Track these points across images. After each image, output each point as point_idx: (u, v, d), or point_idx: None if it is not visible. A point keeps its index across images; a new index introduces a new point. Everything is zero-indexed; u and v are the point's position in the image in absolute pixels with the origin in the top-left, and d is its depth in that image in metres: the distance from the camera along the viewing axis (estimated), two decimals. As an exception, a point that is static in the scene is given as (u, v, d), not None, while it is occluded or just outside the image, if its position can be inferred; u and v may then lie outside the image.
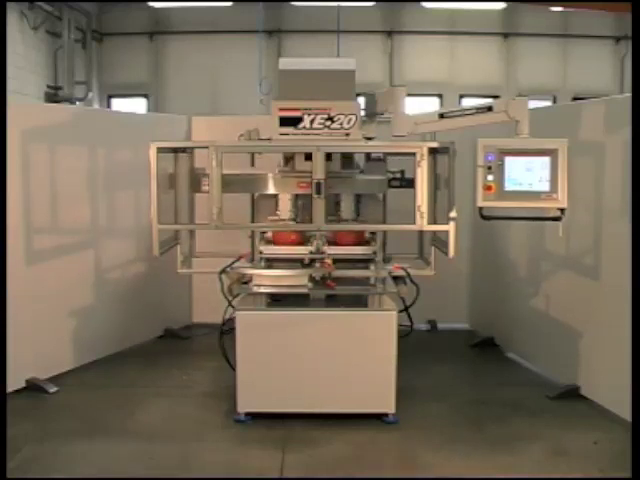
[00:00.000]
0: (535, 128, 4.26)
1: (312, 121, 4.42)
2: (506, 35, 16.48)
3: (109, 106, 16.59)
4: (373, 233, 4.86)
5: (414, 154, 4.36)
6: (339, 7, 14.65)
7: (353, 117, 4.42)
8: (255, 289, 4.62)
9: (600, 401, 4.80)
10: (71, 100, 13.70)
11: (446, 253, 4.51)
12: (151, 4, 15.92)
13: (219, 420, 4.63)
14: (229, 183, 4.40)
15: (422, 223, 4.37)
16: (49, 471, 3.92)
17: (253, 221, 4.99)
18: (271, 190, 4.74)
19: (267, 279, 4.67)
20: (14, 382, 4.98)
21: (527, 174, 4.16)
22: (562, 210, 4.19)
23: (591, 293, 4.88)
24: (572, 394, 4.99)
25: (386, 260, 4.94)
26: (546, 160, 4.15)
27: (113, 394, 5.15)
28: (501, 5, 15.97)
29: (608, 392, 4.69)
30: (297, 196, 4.80)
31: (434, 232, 4.88)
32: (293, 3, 15.94)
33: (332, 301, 4.73)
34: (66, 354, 5.53)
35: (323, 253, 4.61)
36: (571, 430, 4.48)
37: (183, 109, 12.46)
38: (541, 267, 5.64)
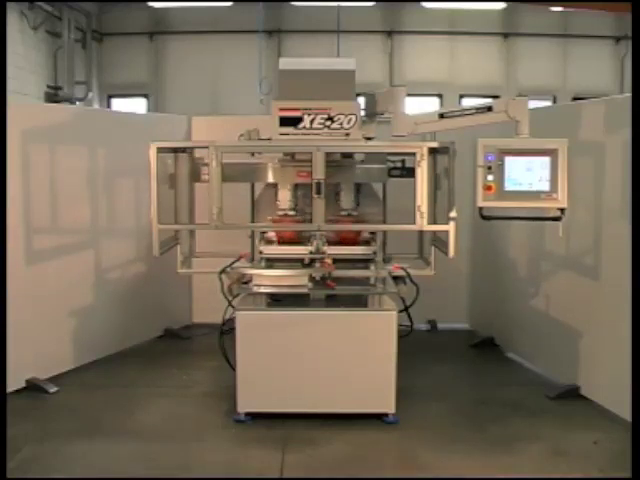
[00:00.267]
0: (535, 128, 4.26)
1: (312, 121, 4.42)
2: (506, 35, 16.47)
3: (109, 106, 16.58)
4: (373, 233, 4.87)
5: (414, 154, 4.36)
6: (339, 7, 14.66)
7: (353, 117, 4.42)
8: (255, 289, 4.62)
9: (600, 401, 4.80)
10: (71, 100, 13.69)
11: (446, 253, 4.51)
12: (151, 4, 15.91)
13: (219, 420, 4.63)
14: (228, 173, 4.39)
15: (422, 223, 4.37)
16: (49, 471, 3.92)
17: (253, 221, 4.99)
18: (270, 179, 4.77)
19: (267, 279, 4.67)
20: (14, 382, 4.98)
21: (527, 174, 4.17)
22: (562, 210, 4.20)
23: (591, 293, 4.88)
24: (572, 394, 4.99)
25: (386, 260, 4.95)
26: (546, 160, 4.15)
27: (113, 394, 5.15)
28: (501, 5, 15.96)
29: (608, 392, 4.69)
30: (297, 186, 4.83)
31: (434, 232, 4.89)
32: (293, 3, 15.94)
33: (332, 301, 4.73)
34: (66, 354, 5.53)
35: (323, 253, 4.62)
36: (571, 430, 4.48)
37: (183, 109, 12.46)
38: (541, 267, 5.64)
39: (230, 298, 4.58)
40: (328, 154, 4.41)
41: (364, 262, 4.88)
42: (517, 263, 6.02)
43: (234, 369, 4.54)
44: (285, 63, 4.65)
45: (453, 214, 4.37)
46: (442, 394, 5.14)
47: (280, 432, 4.38)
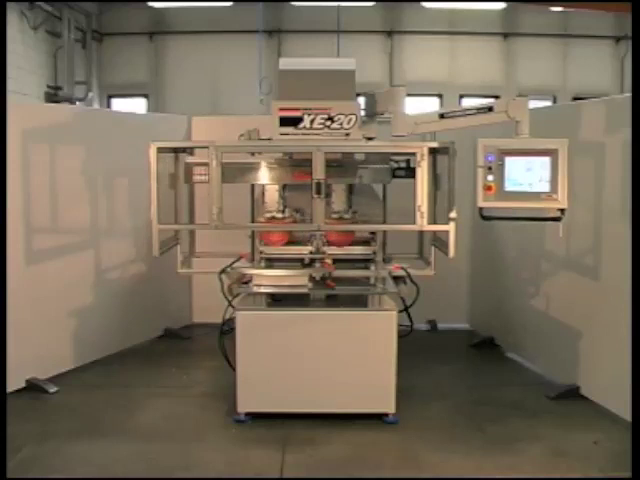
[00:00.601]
0: (535, 128, 4.26)
1: (312, 121, 4.42)
2: (506, 35, 16.49)
3: (109, 106, 16.60)
4: (373, 233, 4.87)
5: (414, 154, 4.36)
6: (339, 7, 14.68)
7: (353, 117, 4.42)
8: (255, 289, 4.62)
9: (600, 401, 4.79)
10: (71, 100, 13.70)
11: (446, 253, 4.51)
12: (151, 4, 15.92)
13: (219, 420, 4.63)
14: (224, 173, 4.38)
15: (422, 223, 4.37)
16: (49, 471, 3.92)
17: (253, 221, 4.99)
18: (266, 180, 4.71)
19: (267, 279, 4.67)
20: (14, 382, 4.98)
21: (527, 174, 4.16)
22: (562, 210, 4.19)
23: (591, 293, 4.88)
24: (572, 394, 4.99)
25: (386, 260, 4.94)
26: (546, 160, 4.14)
27: (113, 394, 5.15)
28: (501, 5, 15.97)
29: (608, 392, 4.69)
30: (284, 187, 4.80)
31: (434, 232, 4.88)
32: (293, 3, 15.94)
33: (332, 301, 4.73)
34: (66, 354, 5.53)
35: (323, 253, 4.62)
36: (571, 430, 4.48)
37: (183, 109, 12.47)
38: (541, 267, 5.64)
39: (230, 298, 4.58)
40: (327, 155, 4.39)
41: (364, 262, 4.89)
42: (517, 263, 6.02)
43: (234, 369, 4.53)
44: (285, 63, 4.64)
45: (453, 214, 4.37)
46: (442, 394, 5.14)
47: (280, 432, 4.38)
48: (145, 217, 4.50)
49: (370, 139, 4.53)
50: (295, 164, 4.62)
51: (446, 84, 16.24)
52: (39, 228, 5.26)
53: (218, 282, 4.52)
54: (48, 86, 13.93)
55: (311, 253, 4.65)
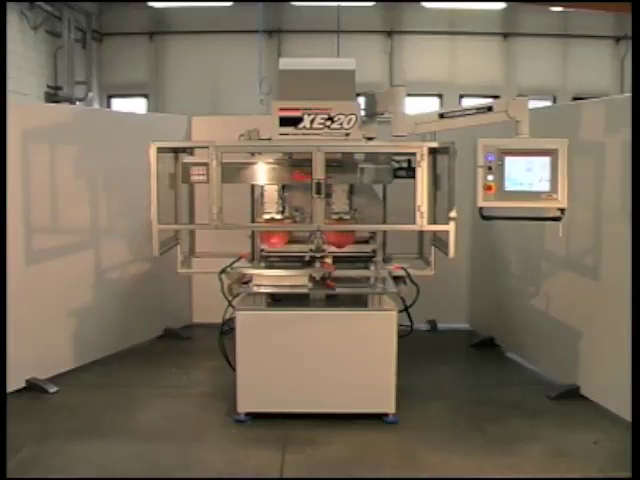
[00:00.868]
0: (535, 128, 4.26)
1: (312, 121, 4.41)
2: (506, 35, 16.49)
3: (109, 106, 16.59)
4: (373, 233, 4.87)
5: (414, 154, 4.36)
6: (339, 7, 14.68)
7: (353, 117, 4.42)
8: (255, 289, 4.62)
9: (600, 401, 4.79)
10: (71, 100, 13.70)
11: (446, 253, 4.51)
12: (151, 4, 15.92)
13: (219, 420, 4.63)
14: (223, 173, 4.37)
15: (422, 223, 4.37)
16: (49, 471, 3.92)
17: (253, 221, 4.99)
18: (265, 180, 4.69)
19: (267, 279, 4.67)
20: (14, 382, 4.98)
21: (527, 174, 4.16)
22: (562, 210, 4.19)
23: (591, 293, 4.88)
24: (572, 394, 4.99)
25: (386, 260, 4.95)
26: (546, 160, 4.14)
27: (113, 394, 5.15)
28: (501, 5, 15.97)
29: (608, 392, 4.69)
30: (283, 187, 4.80)
31: (434, 232, 4.88)
32: (293, 3, 15.94)
33: (332, 301, 4.73)
34: (66, 354, 5.53)
35: (324, 251, 4.62)
36: (571, 430, 4.48)
37: (183, 109, 12.47)
38: (541, 267, 5.64)
39: (230, 298, 4.58)
40: (327, 155, 4.39)
41: (364, 262, 4.90)
42: (517, 263, 6.03)
43: (234, 369, 4.53)
44: (285, 63, 4.64)
45: (453, 214, 4.37)
46: (442, 394, 5.14)
47: (280, 432, 4.38)
48: (145, 217, 4.49)
49: (370, 139, 4.52)
50: (295, 164, 4.61)
51: (446, 84, 16.24)
52: (39, 228, 5.26)
53: (218, 282, 4.52)
54: (48, 86, 13.93)
55: (311, 251, 4.65)
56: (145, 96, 16.69)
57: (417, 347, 5.36)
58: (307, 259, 4.71)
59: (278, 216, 4.74)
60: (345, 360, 4.51)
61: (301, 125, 4.42)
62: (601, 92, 13.19)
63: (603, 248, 4.78)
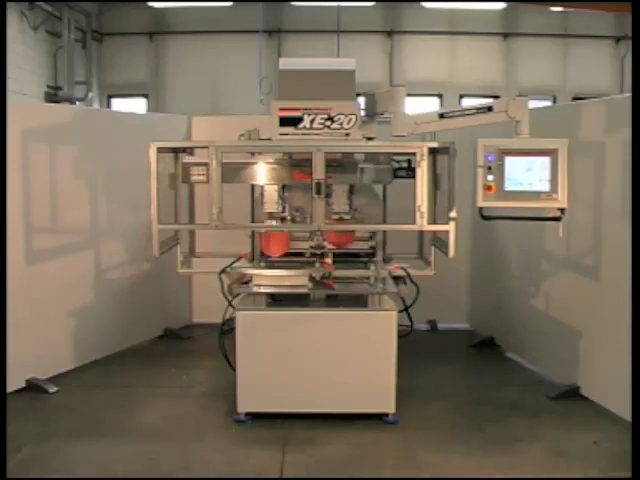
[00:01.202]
0: (535, 128, 4.26)
1: (312, 121, 4.41)
2: (506, 35, 16.48)
3: (109, 106, 16.59)
4: (373, 233, 4.88)
5: (414, 154, 4.36)
6: (339, 7, 14.67)
7: (353, 117, 4.42)
8: (255, 289, 4.62)
9: (600, 401, 4.79)
10: (71, 100, 13.70)
11: (446, 253, 4.51)
12: (151, 4, 15.92)
13: (219, 420, 4.63)
14: (223, 173, 4.36)
15: (422, 223, 4.37)
16: (49, 471, 3.92)
17: (253, 221, 4.99)
18: (265, 181, 4.68)
19: (267, 279, 4.67)
20: (14, 382, 4.98)
21: (527, 174, 4.16)
22: (562, 210, 4.19)
23: (591, 293, 4.88)
24: (572, 394, 4.99)
25: (386, 260, 4.95)
26: (546, 160, 4.14)
27: (113, 394, 5.15)
28: (501, 5, 15.97)
29: (608, 392, 4.69)
30: (283, 187, 4.79)
31: (434, 232, 4.88)
32: (293, 3, 15.94)
33: (332, 301, 4.73)
34: (66, 354, 5.53)
35: (323, 248, 4.62)
36: (571, 430, 4.48)
37: (183, 109, 12.47)
38: (541, 267, 5.64)
39: (230, 298, 4.58)
40: (327, 155, 4.39)
41: (364, 262, 4.90)
42: (517, 263, 6.03)
43: (234, 369, 4.53)
44: (285, 63, 4.64)
45: (453, 214, 4.37)
46: (442, 394, 5.14)
47: (280, 432, 4.38)
48: (145, 217, 4.50)
49: (370, 139, 4.52)
50: (295, 164, 4.61)
51: (446, 84, 16.24)
52: (39, 228, 5.26)
53: (218, 282, 4.52)
54: (48, 86, 13.93)
55: (312, 248, 4.66)
56: (145, 96, 16.69)
57: (417, 347, 5.36)
58: (307, 256, 4.70)
59: (278, 218, 4.74)
60: (345, 360, 4.51)
61: (301, 125, 4.42)
62: (601, 92, 13.19)
63: (603, 248, 4.78)
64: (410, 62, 16.25)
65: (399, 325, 4.52)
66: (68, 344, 5.55)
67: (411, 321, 4.74)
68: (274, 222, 4.76)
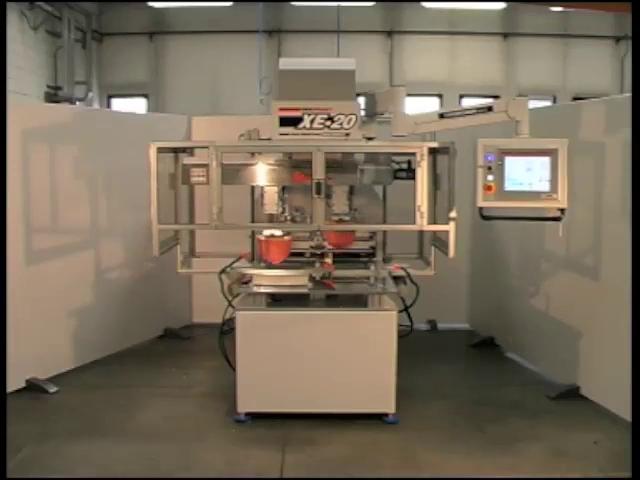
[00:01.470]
0: (535, 128, 4.26)
1: (312, 121, 4.41)
2: (506, 35, 16.48)
3: (109, 106, 16.59)
4: (373, 233, 4.88)
5: (414, 154, 4.36)
6: (339, 7, 14.67)
7: (353, 117, 4.42)
8: (255, 289, 4.62)
9: (600, 401, 4.80)
10: (71, 100, 13.70)
11: (446, 253, 4.51)
12: (151, 4, 15.92)
13: (219, 420, 4.63)
14: (223, 175, 4.35)
15: (422, 223, 4.37)
16: (49, 471, 3.92)
17: (253, 221, 4.99)
18: (265, 182, 4.66)
19: (267, 279, 4.67)
20: (14, 382, 4.98)
21: (527, 174, 4.16)
22: (562, 210, 4.19)
23: (591, 293, 4.88)
24: (572, 394, 4.99)
25: (386, 260, 4.95)
26: (546, 160, 4.14)
27: (113, 394, 5.15)
28: (501, 5, 15.97)
29: (608, 392, 4.69)
30: (283, 189, 4.79)
31: (434, 232, 4.88)
32: (293, 3, 15.94)
33: (332, 301, 4.73)
34: (66, 354, 5.53)
35: (323, 247, 4.62)
36: (571, 430, 4.48)
37: (183, 109, 12.47)
38: (541, 267, 5.64)
39: (230, 298, 4.58)
40: (328, 156, 4.38)
41: (364, 262, 4.90)
42: (517, 263, 6.03)
43: (234, 369, 4.53)
44: (285, 63, 4.64)
45: (453, 214, 4.37)
46: (442, 394, 5.14)
47: (280, 432, 4.38)
48: (145, 217, 4.50)
49: (370, 139, 4.52)
50: (295, 165, 4.61)
51: (446, 84, 16.24)
52: (39, 228, 5.26)
53: (218, 282, 4.52)
54: (48, 86, 13.93)
55: (312, 248, 4.67)
56: (145, 96, 16.69)
57: (417, 347, 5.36)
58: (307, 256, 4.70)
59: (278, 232, 4.68)
60: (345, 360, 4.51)
61: (301, 125, 4.42)
62: (601, 92, 13.19)
63: (603, 248, 4.78)
64: (410, 62, 16.25)
65: (399, 325, 4.53)
66: (68, 344, 5.55)
67: (411, 321, 4.75)
68: (275, 230, 4.69)
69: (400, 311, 4.60)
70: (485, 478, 3.88)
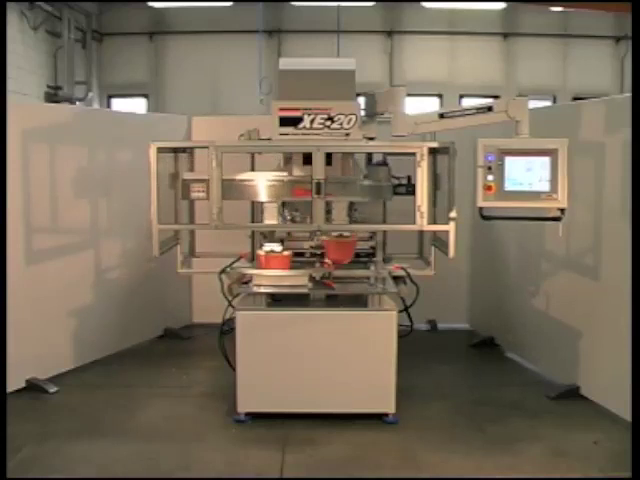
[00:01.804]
0: (535, 128, 4.26)
1: (312, 121, 4.42)
2: (506, 35, 16.48)
3: (109, 106, 16.58)
4: (372, 234, 4.88)
5: (414, 154, 4.36)
6: (339, 7, 14.66)
7: (353, 117, 4.42)
8: (255, 289, 4.62)
9: (600, 401, 4.80)
10: (71, 100, 13.69)
11: (446, 253, 4.51)
12: (151, 4, 15.91)
13: (219, 420, 4.63)
14: (224, 190, 4.34)
15: (422, 223, 4.37)
16: (49, 471, 3.92)
17: (253, 221, 4.99)
18: (265, 198, 4.58)
19: (267, 279, 4.66)
20: (14, 382, 4.98)
21: (527, 174, 4.17)
22: (562, 210, 4.20)
23: (591, 293, 4.88)
24: (572, 394, 4.99)
25: (386, 260, 4.95)
26: (546, 160, 4.15)
27: (113, 394, 5.15)
28: (501, 5, 15.97)
29: (608, 392, 4.69)
30: (283, 204, 4.76)
31: (434, 232, 4.88)
32: (293, 3, 15.94)
33: (332, 301, 4.73)
34: (66, 354, 5.53)
35: (324, 247, 4.62)
36: (571, 430, 4.48)
37: (183, 109, 12.46)
38: (541, 267, 5.64)
39: (230, 298, 4.58)
40: (327, 170, 4.33)
41: (364, 262, 4.90)
42: (517, 263, 6.03)
43: (234, 369, 4.53)
44: (285, 63, 4.64)
45: (453, 214, 4.37)
46: (442, 394, 5.14)
47: (280, 432, 4.38)
48: (145, 217, 4.50)
49: (370, 139, 4.53)
50: (295, 180, 4.56)
51: (446, 84, 16.23)
52: (39, 228, 5.26)
53: (218, 282, 4.52)
54: (48, 86, 13.92)
55: (312, 248, 4.68)
56: (145, 96, 16.68)
57: (417, 347, 5.36)
58: (307, 256, 4.70)
59: (278, 248, 4.62)
60: (345, 360, 4.51)
61: (301, 125, 4.43)
62: (601, 92, 13.18)
63: (603, 248, 4.78)
64: (410, 62, 16.24)
65: (399, 325, 4.53)
66: (68, 344, 5.55)
67: (411, 321, 4.75)
68: (275, 245, 4.62)
69: (400, 311, 4.60)
70: (485, 478, 3.88)
